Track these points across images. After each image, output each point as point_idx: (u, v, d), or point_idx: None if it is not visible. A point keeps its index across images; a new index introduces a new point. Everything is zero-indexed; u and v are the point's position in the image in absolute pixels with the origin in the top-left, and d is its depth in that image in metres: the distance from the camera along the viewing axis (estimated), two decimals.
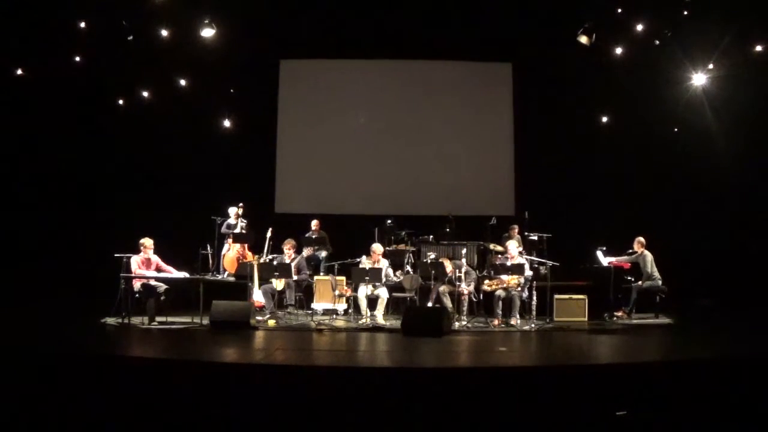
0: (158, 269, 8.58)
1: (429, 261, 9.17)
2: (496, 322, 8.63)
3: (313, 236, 10.42)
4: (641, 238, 9.35)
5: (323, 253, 10.38)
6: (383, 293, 8.65)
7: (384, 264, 8.96)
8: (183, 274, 8.66)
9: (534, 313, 8.69)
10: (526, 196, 12.04)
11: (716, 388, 5.31)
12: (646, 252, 9.27)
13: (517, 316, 8.64)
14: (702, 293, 10.22)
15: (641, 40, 10.05)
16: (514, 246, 9.18)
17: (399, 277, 9.38)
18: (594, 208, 11.32)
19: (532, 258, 9.53)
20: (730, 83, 10.22)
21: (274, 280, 9.01)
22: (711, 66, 10.08)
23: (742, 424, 4.82)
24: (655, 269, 9.16)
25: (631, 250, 9.41)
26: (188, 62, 10.92)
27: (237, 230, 10.21)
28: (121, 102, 11.43)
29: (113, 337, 7.70)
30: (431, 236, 10.48)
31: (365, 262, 8.96)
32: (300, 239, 9.88)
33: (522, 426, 4.87)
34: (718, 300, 10.01)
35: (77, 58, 10.22)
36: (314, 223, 10.73)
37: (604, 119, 11.64)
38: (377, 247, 9.10)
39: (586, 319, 8.86)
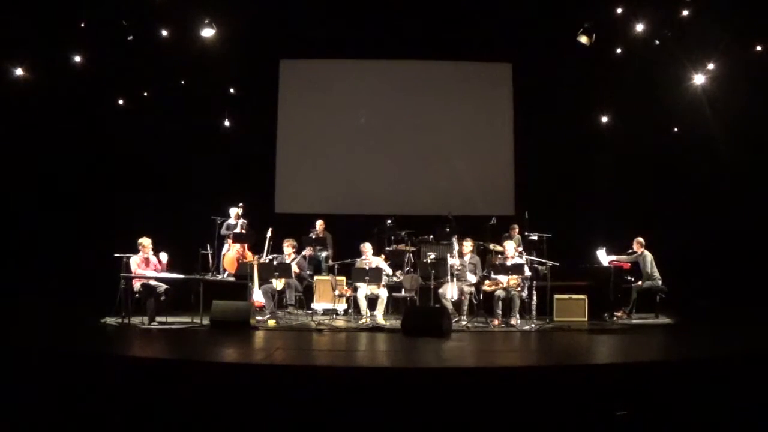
0: (156, 268, 8.58)
1: (429, 261, 9.16)
2: (496, 322, 8.63)
3: (314, 236, 10.41)
4: (640, 239, 9.36)
5: (324, 254, 10.38)
6: (383, 293, 8.65)
7: (379, 261, 8.98)
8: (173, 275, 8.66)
9: (534, 313, 8.68)
10: (526, 196, 12.04)
11: (716, 388, 5.31)
12: (646, 252, 9.28)
13: (517, 316, 8.64)
14: (702, 293, 10.22)
15: (641, 40, 10.05)
16: (511, 246, 9.19)
17: (399, 277, 9.38)
18: (594, 208, 11.32)
19: (532, 258, 9.52)
20: (730, 83, 10.21)
21: (274, 280, 9.01)
22: (711, 66, 10.07)
23: (742, 424, 4.82)
24: (655, 269, 9.17)
25: (630, 250, 9.42)
26: (188, 62, 10.91)
27: (237, 230, 10.21)
28: (121, 102, 11.44)
29: (113, 337, 7.69)
30: (431, 236, 10.47)
31: (363, 263, 8.98)
32: (301, 239, 9.88)
33: (522, 426, 4.87)
34: (718, 300, 10.01)
35: (77, 58, 10.21)
36: (319, 224, 10.70)
37: (604, 119, 11.63)
38: (365, 246, 9.18)
39: (586, 319, 8.86)
